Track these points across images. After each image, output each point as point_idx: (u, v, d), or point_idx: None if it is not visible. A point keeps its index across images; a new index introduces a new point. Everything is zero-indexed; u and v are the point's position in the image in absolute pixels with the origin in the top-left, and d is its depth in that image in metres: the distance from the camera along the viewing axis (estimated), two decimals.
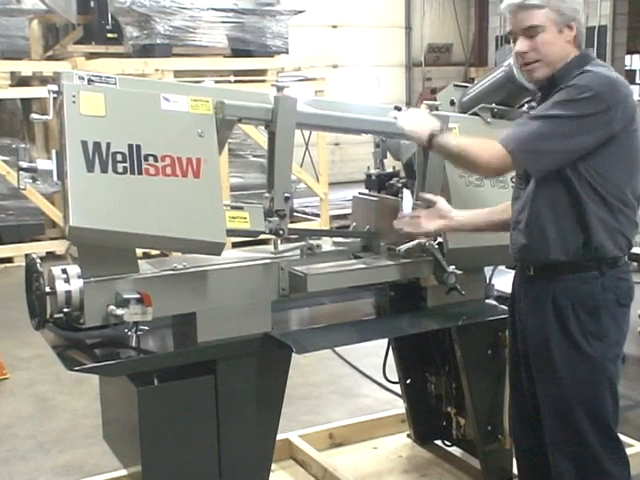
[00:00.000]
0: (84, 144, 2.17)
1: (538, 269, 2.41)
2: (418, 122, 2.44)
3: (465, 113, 3.00)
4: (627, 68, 13.78)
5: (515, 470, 3.06)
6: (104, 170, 2.19)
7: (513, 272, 3.42)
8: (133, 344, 2.45)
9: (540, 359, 2.42)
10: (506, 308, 2.89)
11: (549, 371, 2.39)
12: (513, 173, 2.84)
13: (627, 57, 13.67)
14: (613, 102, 2.23)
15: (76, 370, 2.30)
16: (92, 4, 8.68)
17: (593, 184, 2.28)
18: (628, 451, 3.23)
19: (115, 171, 2.21)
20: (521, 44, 2.35)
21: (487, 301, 2.95)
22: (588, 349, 2.33)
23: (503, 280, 3.10)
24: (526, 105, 3.03)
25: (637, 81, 15.88)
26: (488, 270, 3.03)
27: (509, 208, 2.56)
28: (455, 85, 3.15)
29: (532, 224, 2.37)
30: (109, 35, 8.65)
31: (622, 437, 3.34)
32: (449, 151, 2.40)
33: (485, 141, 2.35)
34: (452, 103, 3.06)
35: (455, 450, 3.42)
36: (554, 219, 2.34)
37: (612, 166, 2.29)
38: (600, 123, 2.23)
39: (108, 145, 2.20)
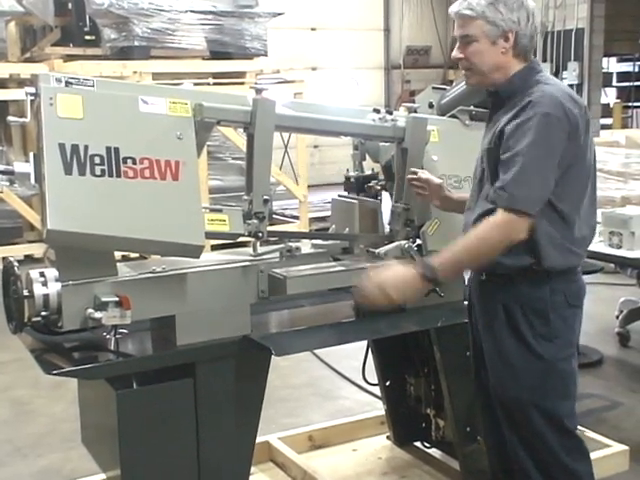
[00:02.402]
0: (62, 147, 2.16)
1: (489, 275, 2.44)
2: (397, 286, 2.31)
3: (444, 115, 3.02)
4: (604, 71, 13.93)
5: None
6: (82, 173, 2.18)
7: None
8: (112, 347, 2.43)
9: (493, 362, 2.46)
10: None
11: (503, 373, 2.43)
12: None
13: (604, 60, 13.81)
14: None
15: (54, 374, 2.28)
16: (70, 6, 8.62)
17: (550, 199, 2.29)
18: (605, 451, 3.28)
19: (93, 174, 2.19)
20: (456, 50, 2.42)
21: (466, 302, 2.95)
22: (539, 350, 2.37)
23: None
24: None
25: (614, 83, 16.08)
26: (467, 272, 3.05)
27: None
28: (434, 88, 3.16)
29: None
30: (87, 37, 8.59)
31: (599, 437, 3.39)
32: (460, 264, 2.36)
33: (484, 226, 2.28)
34: (431, 106, 3.07)
35: (434, 451, 3.44)
36: None
37: (566, 180, 2.31)
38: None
39: (86, 148, 2.19)
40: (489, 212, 2.32)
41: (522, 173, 2.24)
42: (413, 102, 3.00)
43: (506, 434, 2.49)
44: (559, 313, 2.38)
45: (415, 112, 2.81)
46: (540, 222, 2.29)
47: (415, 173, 2.73)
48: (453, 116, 2.98)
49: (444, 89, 3.15)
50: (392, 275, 2.32)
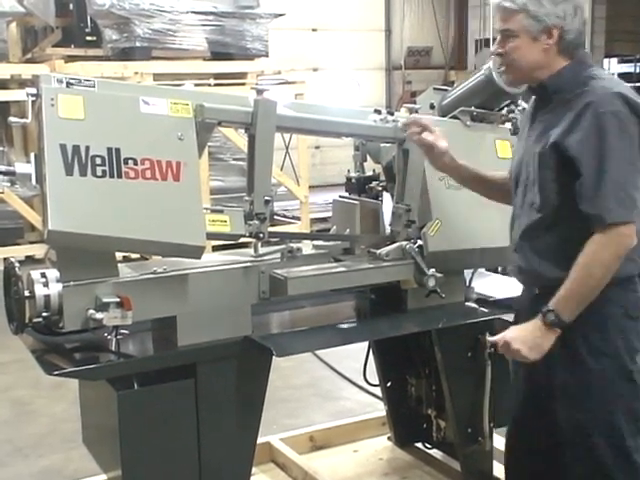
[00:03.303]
0: (63, 147, 2.16)
1: (542, 288, 2.32)
2: (526, 341, 2.23)
3: (445, 116, 3.02)
4: None
5: (495, 472, 3.08)
6: (83, 173, 2.18)
7: (493, 275, 3.46)
8: (113, 348, 2.43)
9: (548, 383, 2.33)
10: (486, 311, 2.92)
11: (559, 395, 2.31)
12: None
13: (605, 61, 13.82)
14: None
15: (55, 374, 2.28)
16: (71, 7, 8.64)
17: None
18: None
19: (94, 174, 2.19)
20: (496, 45, 2.32)
21: (467, 304, 2.96)
22: (596, 366, 2.23)
23: (483, 283, 3.13)
24: (505, 109, 3.06)
25: None
26: (468, 273, 3.05)
27: (500, 176, 2.59)
28: (435, 88, 3.16)
29: (537, 248, 2.31)
30: (88, 38, 8.61)
31: None
32: (580, 297, 2.20)
33: (590, 250, 2.15)
34: (432, 106, 3.07)
35: (435, 452, 3.43)
36: (561, 244, 2.25)
37: None
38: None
39: (87, 148, 2.19)
40: (540, 223, 2.26)
41: (611, 185, 2.13)
42: (414, 103, 2.99)
43: (566, 465, 2.35)
44: (617, 326, 2.24)
45: (416, 113, 2.81)
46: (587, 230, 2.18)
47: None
48: (454, 117, 2.98)
49: (445, 90, 3.15)
50: (520, 333, 2.25)
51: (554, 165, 2.23)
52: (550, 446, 2.41)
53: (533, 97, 2.44)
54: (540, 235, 2.31)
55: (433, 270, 2.67)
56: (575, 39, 2.26)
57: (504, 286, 3.26)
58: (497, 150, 2.97)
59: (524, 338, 2.24)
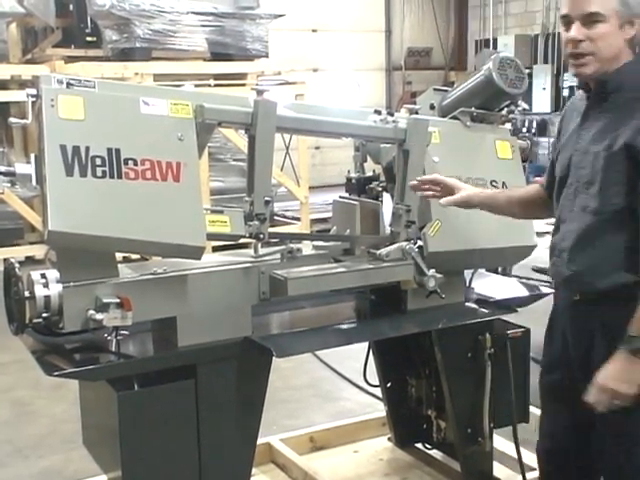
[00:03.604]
0: (63, 148, 2.16)
1: (585, 294, 2.26)
2: (620, 378, 2.12)
3: (445, 117, 3.02)
4: None
5: (495, 472, 3.09)
6: (83, 174, 2.18)
7: (493, 275, 3.47)
8: (113, 349, 2.43)
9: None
10: (486, 311, 2.92)
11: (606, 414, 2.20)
12: (494, 175, 2.87)
13: None
14: None
15: (55, 375, 2.28)
16: (71, 7, 8.64)
17: None
18: None
19: (94, 175, 2.19)
20: (577, 30, 2.11)
21: (467, 304, 2.96)
22: None
23: (483, 283, 3.13)
24: (505, 109, 3.05)
25: None
26: (468, 273, 3.05)
27: (527, 189, 2.58)
28: (435, 89, 3.16)
29: (592, 253, 2.21)
30: (88, 38, 8.62)
31: None
32: None
33: None
34: (432, 107, 3.07)
35: (436, 453, 3.43)
36: (618, 249, 2.18)
37: None
38: None
39: (87, 149, 2.19)
40: (597, 227, 2.18)
41: None
42: (414, 103, 2.99)
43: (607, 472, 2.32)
44: None
45: (416, 113, 2.81)
46: None
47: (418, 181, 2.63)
48: (454, 117, 2.98)
49: (445, 90, 3.15)
50: (609, 373, 2.14)
51: (624, 167, 2.13)
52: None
53: (581, 93, 2.31)
54: (596, 240, 2.21)
55: (433, 271, 2.67)
56: None
57: (504, 287, 3.27)
58: (497, 151, 2.97)
59: (615, 376, 2.12)
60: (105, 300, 2.27)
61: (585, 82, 2.28)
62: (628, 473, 2.29)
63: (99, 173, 2.20)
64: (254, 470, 2.77)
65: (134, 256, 5.20)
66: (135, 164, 2.25)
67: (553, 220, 2.43)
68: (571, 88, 11.91)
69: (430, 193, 2.64)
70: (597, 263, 2.21)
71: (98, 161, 2.20)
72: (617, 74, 2.17)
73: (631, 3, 2.10)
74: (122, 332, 2.44)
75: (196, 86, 7.18)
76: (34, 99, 2.23)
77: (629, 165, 2.13)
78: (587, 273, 2.23)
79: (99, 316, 2.25)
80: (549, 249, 2.40)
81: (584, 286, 2.26)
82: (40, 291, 2.28)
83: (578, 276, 2.26)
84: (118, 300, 2.28)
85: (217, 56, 8.50)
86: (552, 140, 2.59)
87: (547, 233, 2.53)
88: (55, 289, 2.28)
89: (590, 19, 2.10)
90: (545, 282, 2.82)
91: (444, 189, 2.60)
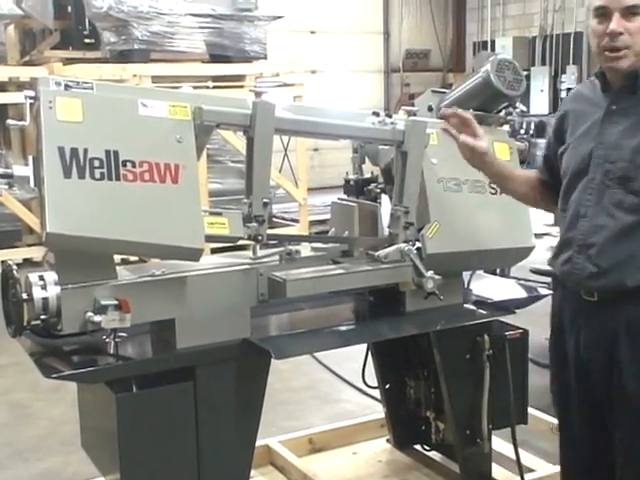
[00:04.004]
0: (61, 150, 2.16)
1: (605, 294, 2.23)
2: None
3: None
4: None
5: (493, 474, 3.08)
6: (81, 176, 2.18)
7: (491, 276, 3.47)
8: (111, 351, 2.43)
9: (617, 393, 2.24)
10: (484, 312, 2.92)
11: (628, 403, 2.20)
12: (487, 180, 2.86)
13: None
14: None
15: (53, 377, 2.28)
16: (69, 9, 8.63)
17: None
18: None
19: (92, 177, 2.19)
20: (617, 23, 2.09)
21: (465, 306, 2.96)
22: None
23: (481, 285, 3.13)
24: (503, 111, 3.06)
25: None
26: (466, 275, 3.05)
27: (530, 173, 2.56)
28: (433, 91, 3.16)
29: (626, 251, 2.18)
30: (86, 40, 8.60)
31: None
32: None
33: None
34: (430, 109, 3.07)
35: (434, 454, 3.43)
36: None
37: None
38: None
39: (85, 151, 2.19)
40: (636, 224, 2.15)
41: None
42: (412, 105, 3.00)
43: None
44: None
45: (414, 115, 2.81)
46: None
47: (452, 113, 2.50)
48: None
49: (443, 92, 3.15)
50: None
51: None
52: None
53: (596, 85, 2.30)
54: (633, 235, 2.18)
55: (431, 272, 2.67)
56: None
57: (502, 288, 3.27)
58: (495, 152, 2.96)
59: None
60: (103, 302, 2.27)
61: (604, 76, 2.26)
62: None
63: (97, 175, 2.20)
64: (253, 472, 2.77)
65: (132, 258, 5.19)
66: (133, 166, 2.25)
67: (549, 221, 2.41)
68: (569, 90, 11.93)
69: (454, 131, 2.49)
70: (631, 258, 2.17)
71: (96, 163, 2.20)
72: None
73: None
74: (120, 334, 2.44)
75: (194, 88, 7.17)
76: (32, 101, 2.23)
77: None
78: (618, 269, 2.19)
79: (97, 318, 2.25)
80: (560, 245, 2.35)
81: (610, 283, 2.21)
82: (38, 293, 2.28)
83: (607, 273, 2.21)
84: (116, 302, 2.28)
85: (215, 58, 8.49)
86: (549, 134, 2.55)
87: (546, 234, 2.54)
88: (53, 291, 2.28)
89: (630, 11, 2.10)
90: (543, 283, 2.82)
91: (468, 131, 2.48)
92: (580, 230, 2.27)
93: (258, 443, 2.73)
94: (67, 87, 2.24)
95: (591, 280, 2.24)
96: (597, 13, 2.17)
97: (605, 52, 2.18)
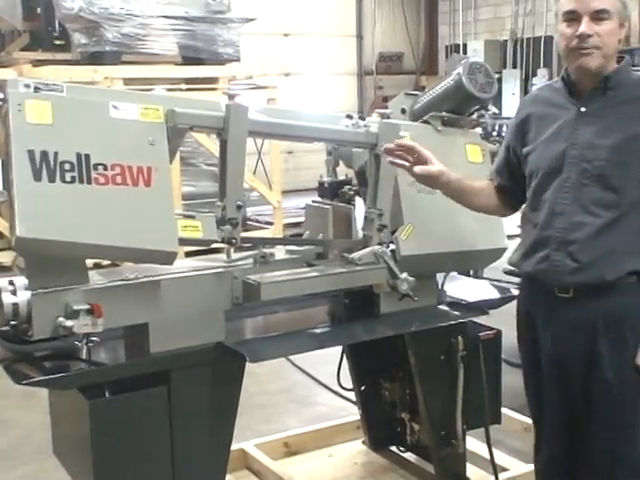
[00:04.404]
0: (31, 153, 2.13)
1: (581, 290, 2.29)
2: None
3: (416, 121, 3.03)
4: None
5: (468, 474, 3.10)
6: (52, 179, 2.15)
7: (464, 278, 3.49)
8: (84, 356, 2.40)
9: (595, 384, 2.31)
10: (458, 314, 2.93)
11: (606, 393, 2.29)
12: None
13: None
14: None
15: (24, 384, 2.24)
16: (38, 10, 8.53)
17: None
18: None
19: (63, 180, 2.17)
20: (587, 26, 2.20)
21: (439, 307, 2.97)
22: None
23: (455, 286, 3.14)
24: (475, 113, 3.07)
25: None
26: (440, 276, 3.06)
27: (483, 182, 2.61)
28: (406, 93, 3.17)
29: (603, 246, 2.26)
30: (56, 42, 8.51)
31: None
32: None
33: None
34: (403, 111, 3.08)
35: (410, 456, 3.44)
36: (632, 241, 2.26)
37: None
38: None
39: (56, 154, 2.16)
40: (612, 220, 2.23)
41: None
42: (386, 108, 3.01)
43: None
44: None
45: (388, 118, 2.82)
46: None
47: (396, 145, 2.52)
48: (425, 122, 2.99)
49: (416, 95, 3.16)
50: None
51: None
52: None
53: (559, 88, 2.39)
54: (612, 231, 2.25)
55: (406, 274, 2.68)
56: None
57: (475, 289, 3.29)
58: (467, 154, 2.99)
59: None
60: (75, 307, 2.24)
61: (569, 78, 2.34)
62: (616, 457, 2.34)
63: (68, 178, 2.18)
64: (228, 476, 2.76)
65: (105, 262, 5.14)
66: (105, 169, 2.23)
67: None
68: None
69: (400, 162, 2.52)
70: (611, 253, 2.25)
71: (67, 166, 2.18)
72: (617, 73, 2.29)
73: (627, 6, 2.24)
74: (93, 339, 2.41)
75: (167, 90, 7.13)
76: (1, 103, 2.20)
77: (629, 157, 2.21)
78: (598, 264, 2.26)
79: (69, 323, 2.23)
80: (534, 243, 2.39)
81: (590, 278, 2.27)
82: (8, 298, 2.25)
83: (586, 268, 2.27)
84: (88, 307, 2.26)
85: (188, 60, 8.45)
86: (506, 134, 2.61)
87: (517, 236, 2.54)
88: (23, 296, 2.25)
89: (599, 15, 2.21)
90: (516, 284, 2.84)
91: (418, 159, 2.50)
92: (557, 228, 2.32)
93: (233, 447, 2.72)
94: (37, 89, 2.22)
95: (570, 276, 2.29)
96: (566, 17, 2.26)
97: (574, 52, 2.26)
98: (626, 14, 2.26)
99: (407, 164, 2.50)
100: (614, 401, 2.30)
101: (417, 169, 2.48)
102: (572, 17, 2.24)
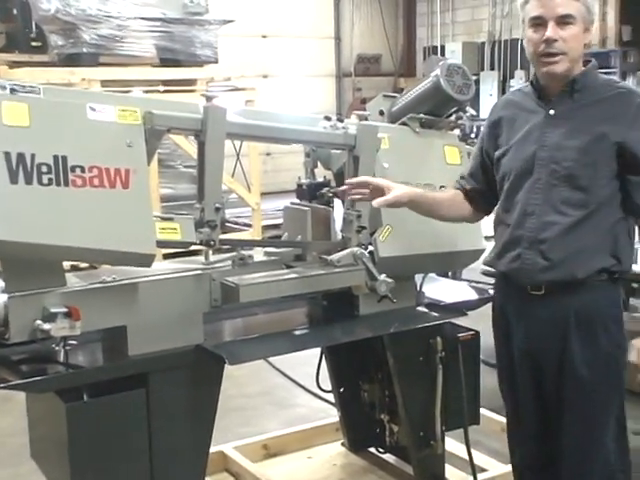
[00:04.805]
0: (7, 155, 2.11)
1: (552, 287, 2.35)
2: None
3: (394, 123, 3.05)
4: None
5: (447, 474, 3.11)
6: (29, 182, 2.14)
7: (443, 279, 3.50)
8: (61, 359, 2.39)
9: (568, 380, 2.36)
10: (437, 315, 2.95)
11: (578, 389, 2.34)
12: (443, 181, 2.89)
13: None
14: None
15: (1, 387, 2.23)
16: (15, 12, 8.46)
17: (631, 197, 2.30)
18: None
19: (40, 183, 2.15)
20: (553, 30, 2.25)
21: (418, 308, 2.98)
22: (615, 362, 2.32)
23: (433, 287, 3.16)
24: (454, 115, 3.09)
25: None
26: (418, 278, 3.08)
27: (449, 192, 2.66)
28: (384, 95, 3.19)
29: (573, 245, 2.31)
30: (33, 44, 8.44)
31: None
32: None
33: None
34: (381, 113, 3.10)
35: (389, 457, 3.45)
36: (599, 240, 2.30)
37: None
38: None
39: (33, 156, 2.15)
40: (581, 219, 2.28)
41: None
42: (364, 110, 3.02)
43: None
44: (622, 319, 2.37)
45: (366, 120, 2.83)
46: (625, 220, 2.31)
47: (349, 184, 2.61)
48: (404, 124, 3.00)
49: (394, 97, 3.18)
50: None
51: (611, 161, 2.27)
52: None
53: (528, 92, 2.43)
54: (582, 229, 2.30)
55: (384, 275, 2.69)
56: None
57: (454, 290, 3.31)
58: (446, 156, 3.00)
59: None
60: (52, 310, 2.23)
61: (538, 83, 2.40)
62: (588, 453, 2.38)
63: (45, 180, 2.16)
64: (207, 479, 2.75)
65: (83, 264, 5.11)
66: (82, 171, 2.22)
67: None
68: None
69: (358, 197, 2.61)
70: (581, 251, 2.30)
71: (44, 168, 2.16)
72: (585, 75, 2.34)
73: (591, 11, 2.28)
74: (71, 342, 2.40)
75: (145, 92, 7.11)
76: None
77: (618, 160, 2.27)
78: (569, 262, 2.31)
79: (46, 326, 2.21)
80: (506, 243, 2.44)
81: (561, 276, 2.32)
82: None
83: (557, 266, 2.32)
84: (66, 310, 2.24)
85: (166, 62, 8.41)
86: (479, 139, 2.65)
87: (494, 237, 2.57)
88: (0, 299, 2.23)
89: (564, 20, 2.26)
90: (494, 285, 2.87)
91: (375, 190, 2.56)
92: (529, 228, 2.37)
93: (213, 449, 2.72)
94: (13, 91, 2.20)
95: (542, 274, 2.34)
96: (533, 23, 2.31)
97: (541, 58, 2.30)
98: (590, 19, 2.30)
99: (366, 197, 2.59)
100: (586, 397, 2.35)
101: (374, 203, 2.55)
102: (538, 22, 2.29)
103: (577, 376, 2.34)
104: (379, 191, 2.54)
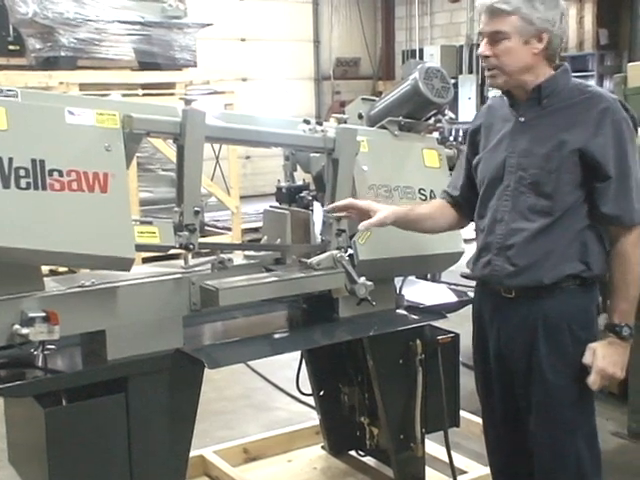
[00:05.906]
0: None
1: (522, 291, 2.37)
2: (621, 362, 2.32)
3: (373, 126, 3.06)
4: None
5: (427, 477, 3.12)
6: (6, 186, 2.12)
7: (422, 282, 3.52)
8: (40, 364, 2.37)
9: (536, 384, 2.38)
10: (416, 317, 2.96)
11: (546, 393, 2.36)
12: (422, 184, 2.91)
13: None
14: None
15: None
16: None
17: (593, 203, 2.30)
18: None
19: (18, 187, 2.14)
20: (483, 47, 2.32)
21: (398, 311, 2.99)
22: (583, 368, 2.32)
23: (412, 290, 3.17)
24: (432, 118, 3.11)
25: None
26: (398, 280, 3.09)
27: (431, 204, 2.68)
28: (363, 99, 3.20)
29: (539, 251, 2.32)
30: (10, 47, 8.38)
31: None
32: (635, 299, 2.32)
33: (629, 253, 2.28)
34: (360, 116, 3.11)
35: (369, 460, 3.46)
36: (566, 245, 2.31)
37: None
38: None
39: (10, 160, 2.13)
40: (546, 226, 2.29)
41: (635, 188, 2.27)
42: (343, 113, 3.03)
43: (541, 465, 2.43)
44: (596, 325, 2.37)
45: (345, 123, 2.84)
46: (594, 228, 2.31)
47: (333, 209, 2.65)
48: (383, 127, 3.02)
49: (373, 100, 3.19)
50: (608, 359, 2.29)
51: (574, 168, 2.28)
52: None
53: (505, 100, 2.44)
54: (547, 236, 2.32)
55: (364, 278, 2.69)
56: (559, 45, 2.33)
57: (433, 293, 3.32)
58: (424, 159, 3.02)
59: (614, 362, 2.30)
60: (31, 314, 2.22)
61: (507, 90, 2.42)
62: (559, 457, 2.39)
63: (23, 184, 2.15)
64: None
65: (62, 268, 5.08)
66: (61, 175, 2.21)
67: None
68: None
69: (344, 214, 2.68)
70: (547, 257, 2.32)
71: (22, 172, 2.15)
72: (552, 82, 2.34)
73: (535, 21, 2.26)
74: (49, 347, 2.39)
75: (124, 96, 7.07)
76: None
77: (578, 166, 2.28)
78: (535, 268, 2.33)
79: (25, 331, 2.20)
80: (479, 249, 2.47)
81: (528, 281, 2.34)
82: None
83: (524, 271, 2.34)
84: (44, 314, 2.23)
85: (145, 65, 8.38)
86: (465, 147, 2.67)
87: (474, 240, 2.59)
88: None
89: (495, 37, 2.29)
90: (473, 287, 2.88)
91: (359, 212, 2.61)
92: (498, 234, 2.40)
93: (192, 454, 2.71)
94: None
95: (509, 279, 2.38)
96: (480, 37, 2.38)
97: (485, 71, 2.38)
98: (534, 29, 2.26)
99: (352, 217, 2.65)
100: (553, 401, 2.37)
101: (360, 227, 2.59)
102: (482, 37, 2.36)
103: (544, 381, 2.35)
104: (364, 213, 2.58)
